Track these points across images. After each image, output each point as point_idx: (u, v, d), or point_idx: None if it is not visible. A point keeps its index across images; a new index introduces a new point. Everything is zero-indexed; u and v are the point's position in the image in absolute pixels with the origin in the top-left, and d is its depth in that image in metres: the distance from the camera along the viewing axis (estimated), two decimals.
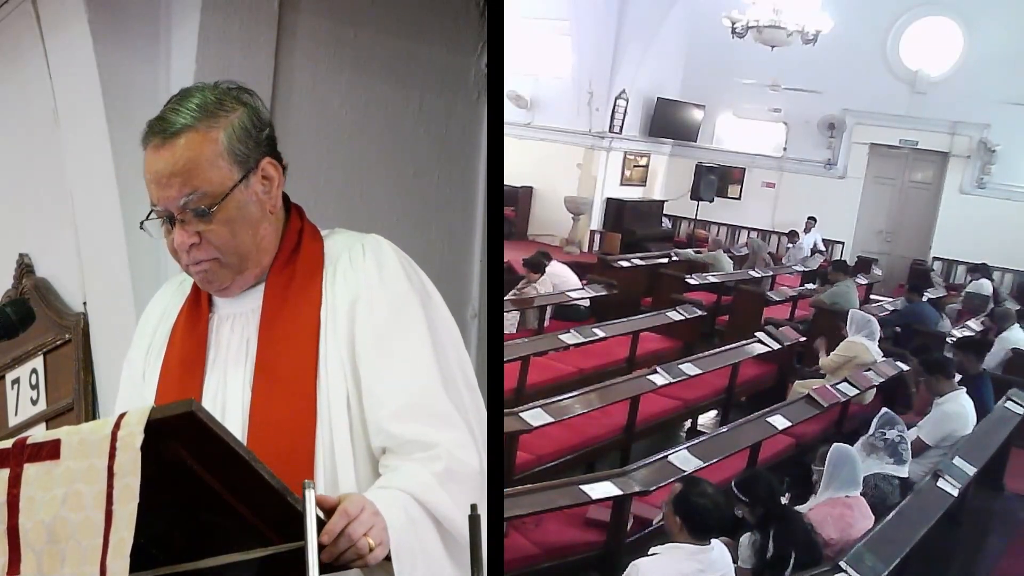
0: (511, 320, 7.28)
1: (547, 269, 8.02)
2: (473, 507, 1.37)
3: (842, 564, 2.97)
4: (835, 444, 3.78)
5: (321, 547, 1.30)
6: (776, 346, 6.46)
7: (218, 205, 1.50)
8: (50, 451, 1.20)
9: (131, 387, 1.70)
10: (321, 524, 1.31)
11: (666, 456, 3.95)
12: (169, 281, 1.76)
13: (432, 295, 1.65)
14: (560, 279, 8.09)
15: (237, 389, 1.55)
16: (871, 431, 4.14)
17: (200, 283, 1.59)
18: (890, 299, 9.81)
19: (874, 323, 6.33)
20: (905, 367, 5.94)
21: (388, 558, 1.40)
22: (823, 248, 12.77)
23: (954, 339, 7.31)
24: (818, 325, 7.54)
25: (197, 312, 1.64)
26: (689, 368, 5.51)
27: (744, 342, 6.41)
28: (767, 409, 4.87)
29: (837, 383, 5.45)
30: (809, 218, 12.64)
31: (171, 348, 1.64)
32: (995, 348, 7.33)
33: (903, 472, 4.07)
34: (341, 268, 1.60)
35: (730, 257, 11.08)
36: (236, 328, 1.60)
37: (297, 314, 1.57)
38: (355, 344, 1.55)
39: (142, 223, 1.56)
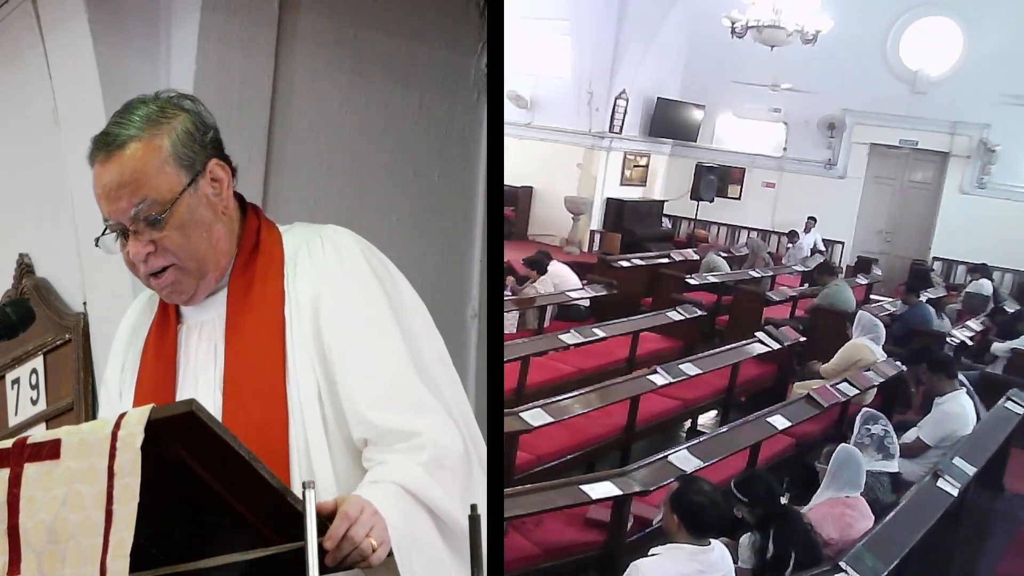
0: (511, 320, 7.28)
1: (548, 268, 8.03)
2: (473, 507, 1.37)
3: (842, 564, 2.97)
4: (842, 445, 3.78)
5: (324, 551, 1.30)
6: (776, 346, 6.46)
7: (168, 211, 1.51)
8: (50, 451, 1.21)
9: (110, 407, 1.70)
10: (321, 527, 1.31)
11: (666, 456, 3.95)
12: (138, 298, 1.76)
13: (398, 280, 1.64)
14: (560, 279, 8.10)
15: (208, 396, 1.56)
16: (856, 430, 4.15)
17: (165, 297, 1.60)
18: (889, 299, 9.81)
19: (880, 327, 6.32)
20: (904, 367, 5.94)
21: (389, 555, 1.40)
22: (823, 248, 12.77)
23: (955, 340, 7.32)
24: (818, 325, 7.53)
25: (165, 325, 1.64)
26: (689, 368, 5.51)
27: (744, 342, 6.41)
28: (767, 409, 4.86)
29: (837, 383, 5.45)
30: (809, 218, 12.64)
31: (144, 364, 1.65)
32: (1002, 353, 7.33)
33: (893, 467, 4.08)
34: (301, 263, 1.60)
35: (730, 257, 11.09)
36: (204, 335, 1.61)
37: (261, 315, 1.57)
38: (323, 338, 1.55)
39: (97, 240, 1.56)
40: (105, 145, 1.51)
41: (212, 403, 1.54)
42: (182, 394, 1.58)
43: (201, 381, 1.58)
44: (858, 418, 4.23)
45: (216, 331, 1.60)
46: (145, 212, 1.50)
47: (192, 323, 1.63)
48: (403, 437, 1.50)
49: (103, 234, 1.55)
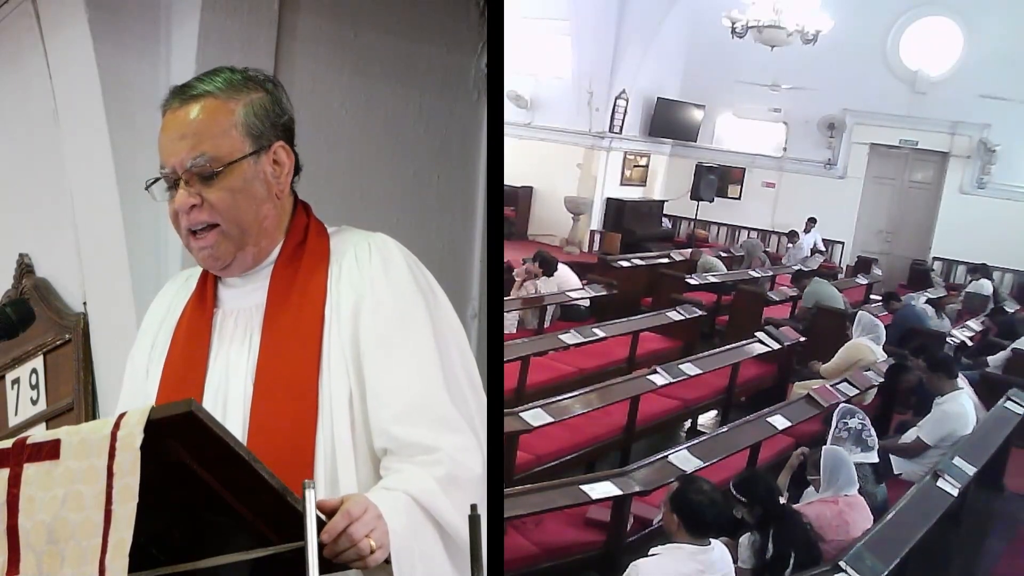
0: (511, 320, 7.28)
1: (557, 270, 8.03)
2: (473, 507, 1.37)
3: (842, 564, 2.97)
4: (824, 448, 3.79)
5: (322, 545, 1.30)
6: (776, 346, 6.46)
7: (224, 169, 1.52)
8: (50, 451, 1.21)
9: (134, 384, 1.70)
10: (322, 526, 1.31)
11: (666, 456, 3.95)
12: (174, 278, 1.76)
13: (438, 296, 1.64)
14: (561, 279, 8.10)
15: (239, 385, 1.55)
16: (833, 425, 4.17)
17: (202, 260, 1.59)
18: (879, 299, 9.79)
19: (880, 327, 6.33)
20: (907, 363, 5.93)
21: (388, 560, 1.39)
22: (823, 248, 12.76)
23: (955, 340, 7.32)
24: (818, 325, 7.53)
25: (201, 307, 1.64)
26: (689, 368, 5.51)
27: (744, 342, 6.41)
28: (767, 409, 4.87)
29: (837, 383, 5.46)
30: (809, 219, 12.63)
31: (175, 344, 1.64)
32: (1006, 350, 7.33)
33: (872, 458, 4.10)
34: (347, 266, 1.60)
35: (729, 257, 11.09)
36: (240, 323, 1.60)
37: (301, 311, 1.57)
38: (359, 344, 1.54)
39: (148, 185, 1.58)
40: (181, 94, 1.55)
41: (242, 392, 1.54)
42: (212, 379, 1.58)
43: (232, 368, 1.57)
44: (835, 414, 4.26)
45: (253, 320, 1.59)
46: (201, 165, 1.51)
47: (228, 309, 1.62)
48: (423, 451, 1.50)
49: (154, 181, 1.57)
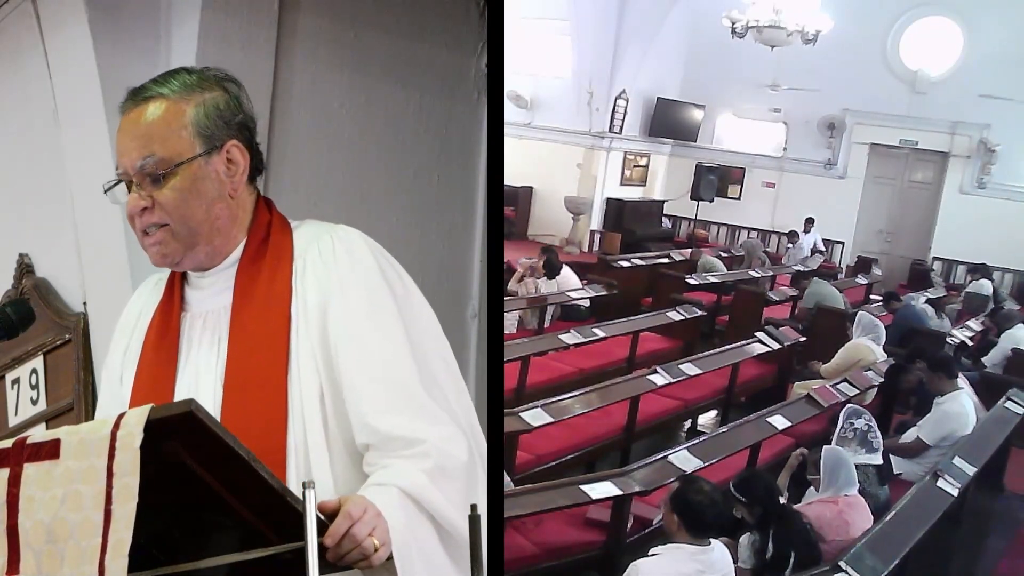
0: (511, 320, 7.28)
1: (560, 271, 8.03)
2: (473, 507, 1.37)
3: (842, 564, 2.97)
4: (826, 448, 3.78)
5: (324, 549, 1.30)
6: (776, 346, 6.45)
7: (171, 171, 1.53)
8: (50, 451, 1.21)
9: (109, 392, 1.70)
10: (322, 526, 1.31)
11: (666, 456, 3.95)
12: (145, 282, 1.77)
13: (407, 285, 1.64)
14: (561, 279, 8.10)
15: (209, 387, 1.55)
16: (839, 425, 4.17)
17: (153, 257, 1.59)
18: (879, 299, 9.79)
19: (880, 327, 6.33)
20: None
21: (389, 558, 1.39)
22: (823, 248, 12.76)
23: (955, 340, 7.33)
24: (818, 325, 7.54)
25: (169, 311, 1.64)
26: (689, 368, 5.51)
27: (744, 342, 6.41)
28: (767, 409, 4.86)
29: (837, 383, 5.45)
30: (807, 219, 12.61)
31: (145, 349, 1.65)
32: (999, 347, 7.34)
33: (877, 459, 4.10)
34: (311, 261, 1.60)
35: (729, 257, 11.09)
36: (208, 326, 1.60)
37: (267, 310, 1.57)
38: (329, 339, 1.54)
39: (106, 189, 1.58)
40: (135, 95, 1.57)
41: (213, 396, 1.54)
42: (182, 384, 1.58)
43: (202, 372, 1.57)
44: (842, 414, 4.26)
45: (220, 322, 1.59)
46: (150, 167, 1.52)
47: (197, 311, 1.62)
48: (407, 444, 1.49)
49: (115, 183, 1.57)
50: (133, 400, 1.60)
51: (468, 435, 1.56)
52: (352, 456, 1.54)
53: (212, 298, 1.62)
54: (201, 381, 1.57)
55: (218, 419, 1.50)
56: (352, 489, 1.48)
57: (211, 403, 1.53)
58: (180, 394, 1.57)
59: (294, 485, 1.45)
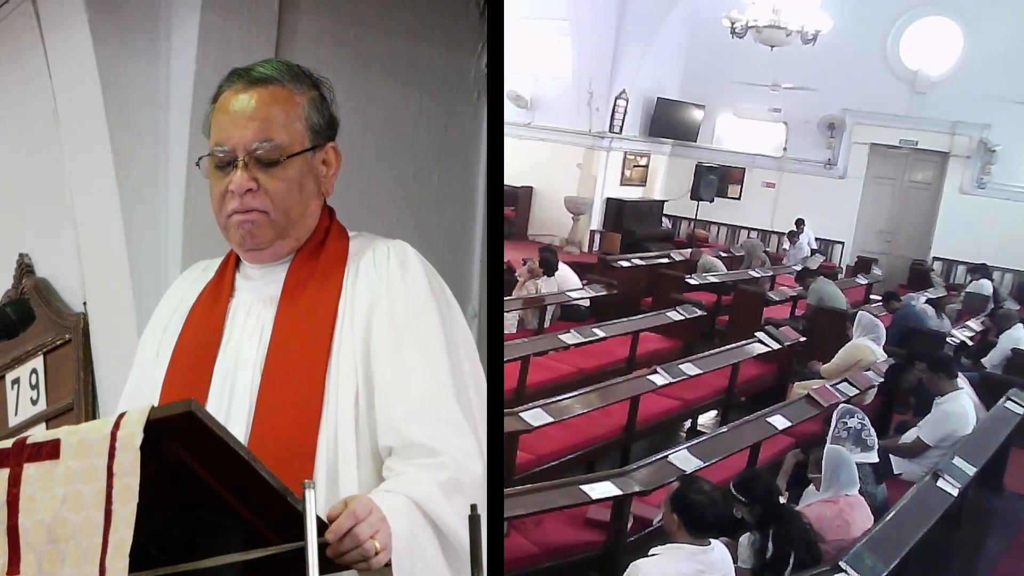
0: (511, 320, 7.28)
1: (557, 270, 8.03)
2: (473, 507, 1.37)
3: (842, 564, 2.97)
4: (828, 447, 3.78)
5: (325, 545, 1.30)
6: (776, 346, 6.46)
7: (285, 160, 1.54)
8: (50, 451, 1.21)
9: (142, 367, 1.70)
10: (323, 527, 1.31)
11: (666, 456, 3.95)
12: (191, 268, 1.78)
13: (452, 306, 1.65)
14: (561, 279, 8.10)
15: (247, 374, 1.56)
16: (832, 425, 4.18)
17: (241, 237, 1.58)
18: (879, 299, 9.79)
19: (881, 327, 6.33)
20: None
21: (387, 564, 1.39)
22: (816, 246, 12.74)
23: (955, 340, 7.33)
24: (818, 325, 7.53)
25: (217, 295, 1.65)
26: (689, 368, 5.51)
27: (744, 342, 6.41)
28: (767, 409, 4.86)
29: (837, 383, 5.45)
30: (797, 220, 12.53)
31: (187, 327, 1.65)
32: (998, 347, 7.33)
33: (872, 458, 4.11)
34: (364, 266, 1.61)
35: (729, 257, 11.08)
36: (253, 314, 1.61)
37: (315, 305, 1.58)
38: (371, 342, 1.55)
39: (199, 160, 1.58)
40: (247, 74, 1.57)
41: (249, 383, 1.55)
42: (220, 366, 1.58)
43: (243, 358, 1.58)
44: (835, 413, 4.27)
45: (266, 312, 1.60)
46: (265, 152, 1.53)
47: (243, 299, 1.63)
48: (428, 453, 1.50)
49: (207, 155, 1.57)
50: (169, 378, 1.61)
51: (484, 449, 1.57)
52: (377, 462, 1.54)
53: (262, 288, 1.63)
54: (240, 366, 1.57)
55: (253, 406, 1.52)
56: (372, 489, 1.48)
57: (248, 390, 1.54)
58: (218, 377, 1.57)
59: (322, 480, 1.46)
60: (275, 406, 1.51)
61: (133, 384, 1.71)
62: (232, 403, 1.53)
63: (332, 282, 1.59)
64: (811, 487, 3.86)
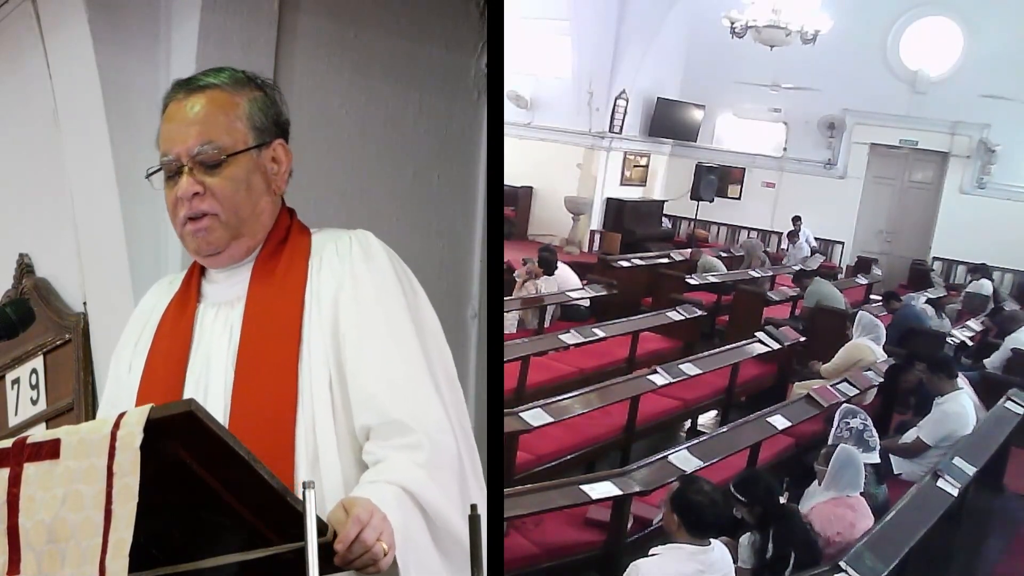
0: (511, 320, 7.28)
1: (556, 269, 8.03)
2: (473, 507, 1.37)
3: (842, 564, 2.97)
4: (841, 446, 3.79)
5: (333, 552, 1.31)
6: (776, 346, 6.46)
7: (228, 159, 1.56)
8: (50, 451, 1.21)
9: (116, 381, 1.72)
10: (322, 527, 1.31)
11: (666, 456, 3.95)
12: (160, 281, 1.80)
13: (417, 290, 1.68)
14: (561, 279, 8.10)
15: (220, 373, 1.57)
16: (835, 425, 4.18)
17: (196, 244, 1.61)
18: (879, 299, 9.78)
19: (881, 327, 6.33)
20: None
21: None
22: (815, 244, 12.73)
23: (955, 340, 7.32)
24: (818, 325, 7.53)
25: (184, 303, 1.67)
26: (689, 368, 5.51)
27: (744, 342, 6.41)
28: (767, 409, 4.86)
29: (837, 383, 5.45)
30: (794, 217, 12.50)
31: (157, 338, 1.67)
32: (1001, 349, 7.32)
33: (873, 458, 4.12)
34: (327, 257, 1.63)
35: (729, 257, 11.08)
36: (220, 316, 1.63)
37: (281, 299, 1.60)
38: (339, 328, 1.57)
39: (148, 174, 1.61)
40: (187, 84, 1.61)
41: (223, 380, 1.56)
42: (193, 369, 1.60)
43: (214, 358, 1.59)
44: (837, 413, 4.27)
45: (233, 314, 1.62)
46: (207, 154, 1.55)
47: (211, 303, 1.65)
48: (402, 431, 1.51)
49: (156, 170, 1.60)
50: (143, 385, 1.63)
51: (459, 436, 1.58)
52: (356, 447, 1.55)
53: (227, 290, 1.65)
54: (212, 368, 1.59)
55: (228, 403, 1.53)
56: (356, 476, 1.50)
57: (221, 390, 1.56)
58: (191, 380, 1.59)
59: (303, 471, 1.48)
60: (250, 403, 1.52)
61: (109, 398, 1.73)
62: (207, 404, 1.52)
63: (296, 275, 1.62)
64: (811, 487, 3.86)
